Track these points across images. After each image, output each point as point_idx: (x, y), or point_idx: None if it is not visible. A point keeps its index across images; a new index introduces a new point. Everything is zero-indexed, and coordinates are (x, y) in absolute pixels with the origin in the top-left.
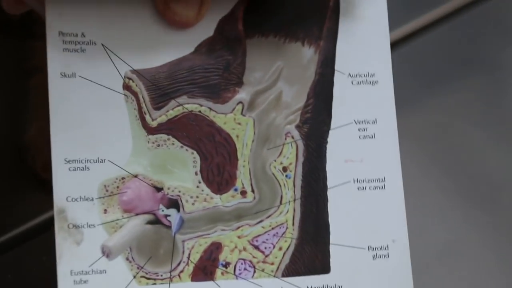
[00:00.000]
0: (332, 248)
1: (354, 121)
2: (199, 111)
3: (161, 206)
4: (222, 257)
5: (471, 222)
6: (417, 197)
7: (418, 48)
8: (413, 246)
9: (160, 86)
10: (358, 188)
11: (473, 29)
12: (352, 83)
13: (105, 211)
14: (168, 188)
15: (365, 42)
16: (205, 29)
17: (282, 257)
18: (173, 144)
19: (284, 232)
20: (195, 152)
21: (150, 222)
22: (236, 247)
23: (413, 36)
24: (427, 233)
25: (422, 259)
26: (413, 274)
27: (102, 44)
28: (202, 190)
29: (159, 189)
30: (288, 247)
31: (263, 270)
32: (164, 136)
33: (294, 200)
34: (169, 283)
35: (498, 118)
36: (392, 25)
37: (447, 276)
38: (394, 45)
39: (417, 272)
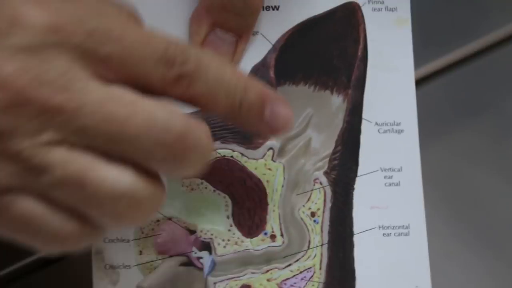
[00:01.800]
0: None
1: (380, 168)
2: (232, 156)
3: (194, 248)
4: None
5: (478, 269)
6: (435, 243)
7: (430, 92)
8: None
9: None
10: (383, 234)
11: (488, 75)
12: (378, 131)
13: (141, 252)
14: (201, 231)
15: (391, 91)
16: None
17: None
18: (206, 188)
19: (311, 276)
20: (227, 196)
21: (183, 264)
22: None
23: (425, 80)
24: (434, 279)
25: None
26: None
27: None
28: (234, 234)
29: (192, 232)
30: None
31: None
32: (198, 180)
33: (322, 245)
34: None
35: None
36: None
37: None
38: None
39: None
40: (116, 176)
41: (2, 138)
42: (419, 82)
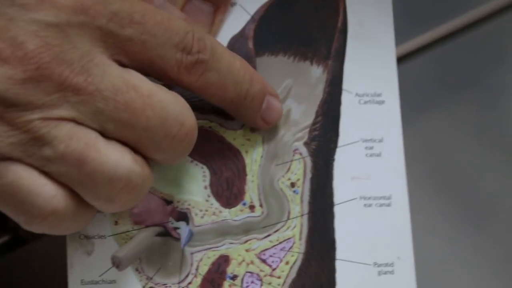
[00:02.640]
0: (338, 264)
1: (361, 139)
2: (210, 127)
3: (170, 219)
4: (229, 270)
5: (461, 242)
6: (419, 218)
7: (413, 68)
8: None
9: None
10: (364, 205)
11: (471, 51)
12: (359, 102)
13: (116, 222)
14: (178, 202)
15: (372, 62)
16: None
17: (289, 271)
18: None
19: (291, 247)
20: (205, 167)
21: (159, 234)
22: (243, 260)
23: (408, 56)
24: (417, 252)
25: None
26: None
27: None
28: (211, 204)
29: (169, 202)
30: (295, 261)
31: (270, 284)
32: None
33: (302, 215)
34: None
35: (495, 140)
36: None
37: None
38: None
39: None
40: (116, 159)
41: (15, 109)
42: (404, 58)
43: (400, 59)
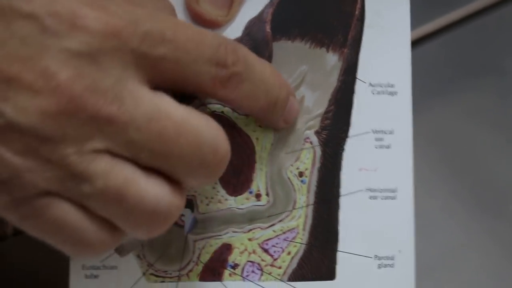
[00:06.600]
0: (339, 255)
1: (372, 130)
2: (222, 112)
3: None
4: (231, 259)
5: (478, 228)
6: (424, 200)
7: (430, 51)
8: (419, 251)
9: None
10: (370, 197)
11: (485, 35)
12: (372, 92)
13: None
14: None
15: (387, 53)
16: (233, 30)
17: (290, 262)
18: None
19: (294, 237)
20: None
21: None
22: (246, 249)
23: (424, 39)
24: (433, 238)
25: (427, 264)
26: (417, 278)
27: None
28: (218, 191)
29: None
30: (297, 252)
31: (270, 274)
32: None
33: (307, 205)
34: (177, 282)
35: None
36: None
37: (452, 282)
38: None
39: (421, 277)
40: (156, 194)
41: (49, 143)
42: (421, 41)
43: (417, 42)
